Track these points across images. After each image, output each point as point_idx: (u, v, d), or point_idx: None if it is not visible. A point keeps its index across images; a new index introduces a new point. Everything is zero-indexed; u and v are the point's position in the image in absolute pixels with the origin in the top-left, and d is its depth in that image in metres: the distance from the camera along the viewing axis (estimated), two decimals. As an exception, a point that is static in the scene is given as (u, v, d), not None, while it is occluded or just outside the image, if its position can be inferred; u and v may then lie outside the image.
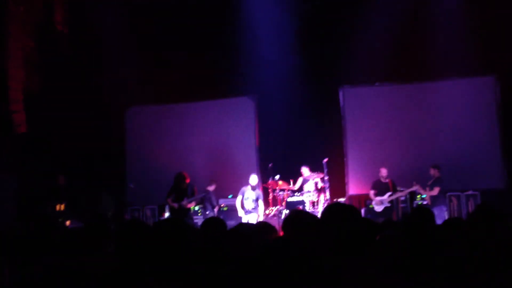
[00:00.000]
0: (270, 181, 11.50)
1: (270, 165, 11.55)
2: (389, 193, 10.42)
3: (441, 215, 9.62)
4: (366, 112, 12.29)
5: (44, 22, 11.67)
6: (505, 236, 2.34)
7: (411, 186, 10.26)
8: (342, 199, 11.66)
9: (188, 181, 9.79)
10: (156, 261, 2.43)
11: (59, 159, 11.52)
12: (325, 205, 10.78)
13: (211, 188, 11.19)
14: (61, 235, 3.76)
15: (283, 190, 11.53)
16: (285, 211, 10.78)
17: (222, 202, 11.83)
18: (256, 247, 2.36)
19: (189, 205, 9.78)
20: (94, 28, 12.00)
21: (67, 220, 10.33)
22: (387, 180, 10.54)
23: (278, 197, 11.55)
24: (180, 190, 9.74)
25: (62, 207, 10.76)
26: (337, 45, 11.96)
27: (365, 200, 11.45)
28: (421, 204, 10.43)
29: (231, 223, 10.22)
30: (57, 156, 11.52)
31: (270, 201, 11.68)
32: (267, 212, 11.50)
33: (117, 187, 12.53)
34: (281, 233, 2.92)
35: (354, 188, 12.13)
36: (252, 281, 1.89)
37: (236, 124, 12.87)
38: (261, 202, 10.16)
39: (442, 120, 11.77)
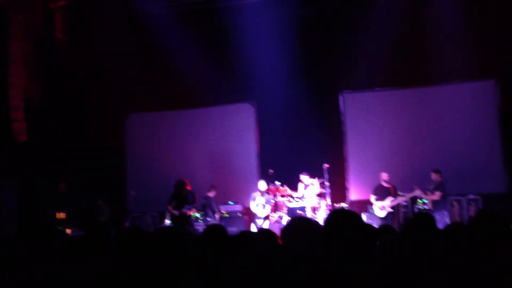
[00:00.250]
0: (270, 187, 11.49)
1: (270, 171, 11.55)
2: (390, 198, 10.39)
3: (442, 219, 9.60)
4: (366, 117, 12.28)
5: (44, 30, 11.71)
6: (506, 241, 2.33)
7: (412, 190, 10.23)
8: (343, 205, 11.63)
9: (188, 188, 9.78)
10: (155, 268, 2.42)
11: (59, 167, 11.51)
12: (326, 210, 10.75)
13: (212, 194, 11.18)
14: (62, 242, 3.74)
15: (283, 196, 11.52)
16: (286, 217, 10.76)
17: (223, 209, 11.81)
18: (258, 254, 2.35)
19: (190, 212, 9.75)
20: (94, 35, 12.03)
21: (67, 228, 10.30)
22: (388, 185, 10.51)
23: (279, 203, 11.53)
24: (181, 197, 9.72)
25: (63, 215, 10.74)
26: (337, 50, 11.98)
27: (366, 205, 11.42)
28: (423, 209, 10.40)
29: (232, 230, 10.24)
30: (58, 164, 11.51)
31: (271, 207, 11.65)
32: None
33: (117, 194, 12.53)
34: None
35: (355, 193, 12.12)
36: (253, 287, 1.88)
37: (237, 130, 12.87)
38: (268, 206, 10.22)
39: (442, 124, 11.76)
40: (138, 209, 12.33)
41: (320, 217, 10.53)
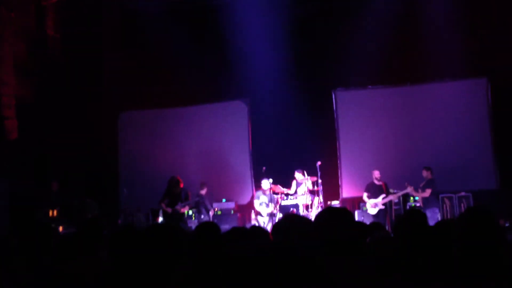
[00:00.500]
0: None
1: (263, 168, 11.57)
2: (383, 195, 10.45)
3: (434, 216, 9.67)
4: (359, 114, 12.33)
5: (36, 27, 11.65)
6: (496, 237, 2.36)
7: (403, 188, 10.30)
8: (335, 202, 11.68)
9: (181, 185, 9.79)
10: (148, 266, 2.43)
11: (51, 165, 11.47)
12: (319, 208, 10.79)
13: (203, 191, 11.19)
14: (55, 240, 3.74)
15: (276, 193, 11.54)
16: (279, 214, 10.79)
17: (216, 206, 11.82)
18: (248, 250, 2.37)
19: (183, 210, 9.77)
20: (86, 33, 11.98)
21: (60, 225, 10.28)
22: (380, 182, 10.57)
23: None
24: (174, 194, 9.74)
25: (55, 213, 10.70)
26: (330, 48, 12.01)
27: (358, 202, 11.48)
28: (414, 206, 10.47)
29: (225, 227, 10.26)
30: (50, 162, 11.47)
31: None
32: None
33: (110, 192, 12.50)
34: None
35: (347, 190, 12.17)
36: (244, 284, 1.90)
37: (229, 128, 12.87)
38: (271, 205, 10.28)
39: (434, 122, 11.84)
40: (131, 207, 12.29)
41: (313, 215, 10.56)
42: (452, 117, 11.74)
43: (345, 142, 12.34)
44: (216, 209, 11.76)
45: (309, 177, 11.14)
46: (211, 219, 11.09)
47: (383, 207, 10.47)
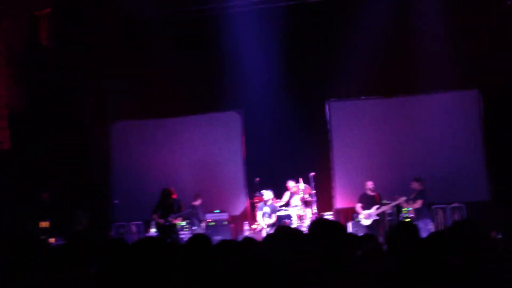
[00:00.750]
0: (257, 195, 11.50)
1: (257, 179, 11.57)
2: (376, 206, 10.44)
3: (426, 228, 9.67)
4: (352, 125, 12.36)
5: (29, 37, 11.62)
6: (487, 248, 2.35)
7: (395, 199, 10.30)
8: (329, 213, 11.66)
9: (174, 196, 9.75)
10: (137, 279, 2.40)
11: (43, 175, 11.38)
12: (312, 219, 10.76)
13: (197, 202, 11.13)
14: (44, 253, 3.70)
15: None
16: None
17: (209, 217, 11.76)
18: (239, 262, 2.35)
19: (175, 221, 9.71)
20: (79, 43, 11.97)
21: (51, 237, 10.18)
22: (373, 193, 10.57)
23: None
24: (167, 205, 9.69)
25: (47, 224, 10.60)
26: (322, 59, 12.06)
27: (352, 213, 11.46)
28: (407, 217, 10.46)
29: (217, 239, 10.20)
30: (42, 172, 11.38)
31: (257, 215, 11.64)
32: (253, 226, 11.46)
33: (102, 203, 12.41)
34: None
35: (341, 201, 12.15)
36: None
37: (223, 139, 12.85)
38: (274, 216, 10.23)
39: (427, 133, 11.89)
40: (123, 218, 12.21)
41: (306, 225, 10.54)
42: (444, 129, 11.79)
43: (338, 153, 12.35)
44: (209, 220, 11.70)
45: (304, 184, 11.12)
46: (203, 230, 11.04)
47: (377, 218, 10.46)
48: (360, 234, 8.34)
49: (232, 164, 12.71)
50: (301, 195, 11.03)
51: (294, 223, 10.59)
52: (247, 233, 11.20)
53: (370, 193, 10.56)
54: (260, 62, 11.92)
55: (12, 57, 11.06)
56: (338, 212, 11.99)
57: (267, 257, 2.33)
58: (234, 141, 12.80)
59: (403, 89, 12.15)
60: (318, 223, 2.69)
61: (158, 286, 2.53)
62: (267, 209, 10.42)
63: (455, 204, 11.09)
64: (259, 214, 10.51)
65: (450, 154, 11.61)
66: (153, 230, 11.20)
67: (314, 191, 11.14)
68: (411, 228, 3.49)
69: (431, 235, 3.42)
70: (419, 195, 10.07)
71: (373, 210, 10.44)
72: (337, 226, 2.61)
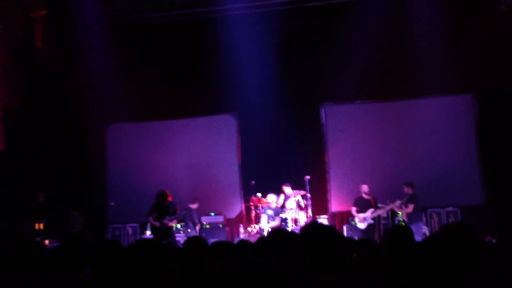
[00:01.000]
0: (252, 198, 11.51)
1: (252, 182, 11.58)
2: (371, 210, 10.46)
3: (419, 231, 9.70)
4: (347, 129, 12.39)
5: (24, 38, 11.60)
6: (476, 253, 2.36)
7: (392, 202, 10.31)
8: (324, 216, 11.67)
9: (170, 199, 9.74)
10: (131, 282, 2.40)
11: (38, 177, 11.35)
12: (306, 222, 10.77)
13: (194, 206, 11.13)
14: (38, 255, 3.69)
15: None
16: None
17: (205, 220, 11.76)
18: (234, 264, 2.35)
19: (170, 223, 9.71)
20: (75, 45, 11.96)
21: (46, 239, 10.15)
22: (369, 197, 10.59)
23: (260, 215, 11.54)
24: (162, 208, 9.68)
25: (41, 225, 10.57)
26: (318, 62, 12.08)
27: (347, 217, 11.49)
28: (402, 221, 10.48)
29: (213, 241, 10.18)
30: (37, 174, 11.35)
31: (253, 218, 11.66)
32: (249, 229, 11.46)
33: (98, 205, 12.39)
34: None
35: (336, 205, 12.17)
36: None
37: (218, 142, 12.86)
38: (277, 218, 10.23)
39: (422, 137, 11.93)
40: (119, 220, 12.20)
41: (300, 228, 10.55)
42: (439, 133, 11.84)
43: (334, 157, 12.38)
44: (204, 222, 11.69)
45: (297, 191, 11.14)
46: (197, 233, 11.02)
47: (372, 221, 10.48)
48: (356, 237, 8.35)
49: (227, 167, 12.71)
50: (296, 199, 11.03)
51: (289, 226, 10.59)
52: (242, 236, 11.19)
53: (365, 196, 10.57)
54: (255, 65, 11.94)
55: (8, 59, 11.04)
56: (333, 216, 12.01)
57: (261, 259, 2.33)
58: (230, 144, 12.81)
59: (398, 93, 12.18)
60: (310, 226, 2.69)
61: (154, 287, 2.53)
62: (270, 212, 10.42)
63: (450, 208, 11.14)
64: (263, 217, 10.50)
65: (445, 158, 11.65)
66: (148, 232, 11.20)
67: (309, 195, 11.15)
68: (406, 231, 3.51)
69: (427, 239, 3.44)
70: (411, 199, 10.12)
71: (368, 213, 10.46)
72: (329, 229, 2.62)
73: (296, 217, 10.94)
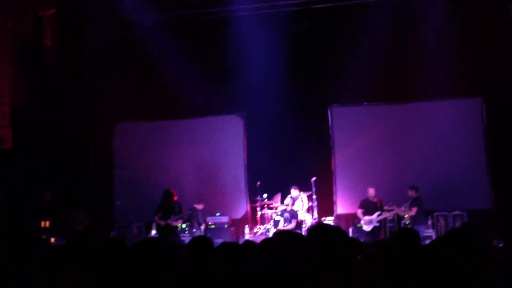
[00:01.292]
0: (258, 199, 11.50)
1: (258, 183, 11.57)
2: (377, 213, 10.42)
3: (421, 235, 9.64)
4: (354, 131, 12.34)
5: (33, 37, 11.66)
6: (485, 255, 2.34)
7: (389, 206, 10.31)
8: (330, 218, 11.64)
9: (175, 198, 9.75)
10: (135, 281, 2.39)
11: (45, 175, 11.40)
12: (312, 224, 10.76)
13: (200, 206, 11.11)
14: (44, 252, 3.70)
15: (271, 208, 11.53)
16: (273, 230, 10.75)
17: (210, 220, 11.76)
18: (240, 265, 2.34)
19: (175, 223, 9.71)
20: (83, 44, 12.00)
21: (52, 237, 10.18)
22: (375, 200, 10.55)
23: (266, 216, 11.53)
24: (168, 207, 9.69)
25: (47, 223, 10.61)
26: (326, 64, 12.05)
27: (353, 219, 11.45)
28: (408, 223, 10.44)
29: (218, 241, 10.19)
30: (44, 172, 11.40)
31: (258, 219, 11.65)
32: (255, 230, 11.47)
33: (104, 204, 12.42)
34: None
35: (342, 207, 12.12)
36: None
37: (225, 142, 12.85)
38: (294, 221, 10.20)
39: (429, 140, 11.86)
40: (125, 219, 12.23)
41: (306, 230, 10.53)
42: (447, 136, 11.76)
43: (340, 158, 12.33)
44: (210, 223, 11.70)
45: (304, 192, 11.14)
46: (202, 233, 11.03)
47: (377, 224, 10.44)
48: (362, 239, 8.32)
49: (233, 168, 12.70)
50: (304, 201, 11.03)
51: (303, 230, 10.61)
52: (247, 237, 11.18)
53: (371, 199, 10.54)
54: (263, 66, 11.91)
55: (17, 57, 11.10)
56: (339, 218, 11.97)
57: (265, 260, 2.32)
58: (236, 144, 12.79)
59: (406, 96, 12.12)
60: (317, 228, 2.68)
61: (157, 287, 2.52)
62: (287, 215, 10.42)
63: (457, 212, 11.07)
64: (281, 220, 10.49)
65: (453, 161, 11.57)
66: (154, 232, 11.21)
67: (315, 196, 11.12)
68: (412, 234, 3.49)
69: (433, 242, 3.41)
70: (414, 202, 10.09)
71: (375, 216, 10.42)
72: (336, 231, 2.60)
73: (302, 218, 10.93)
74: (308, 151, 12.05)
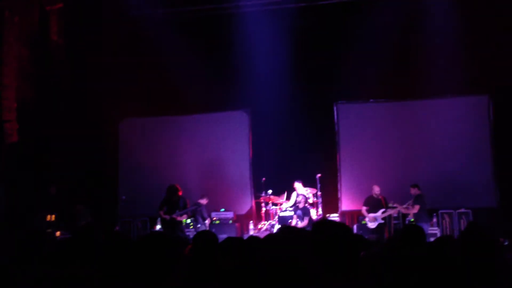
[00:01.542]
0: (263, 195, 11.50)
1: (263, 179, 11.57)
2: (382, 210, 10.41)
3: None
4: (360, 128, 12.31)
5: (40, 32, 11.68)
6: (495, 255, 2.33)
7: (400, 204, 10.29)
8: (334, 215, 11.64)
9: (180, 193, 9.77)
10: (140, 275, 2.40)
11: (51, 169, 11.44)
12: (317, 220, 10.75)
13: (203, 201, 11.15)
14: (49, 246, 3.71)
15: (275, 204, 11.53)
16: (277, 226, 10.75)
17: (214, 216, 11.78)
18: (246, 260, 2.34)
19: (180, 218, 9.74)
20: (89, 39, 12.01)
21: (57, 231, 10.23)
22: (379, 197, 10.54)
23: (271, 212, 11.54)
24: (172, 202, 9.72)
25: (53, 217, 10.65)
26: (332, 61, 12.01)
27: (357, 216, 11.44)
28: (413, 221, 10.42)
29: (223, 237, 10.20)
30: (49, 166, 11.44)
31: (263, 215, 11.66)
32: (259, 226, 11.48)
33: (109, 199, 12.47)
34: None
35: (346, 204, 12.11)
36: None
37: (230, 138, 12.85)
38: (306, 218, 10.21)
39: (435, 137, 11.82)
40: (129, 214, 12.27)
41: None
42: (453, 133, 11.72)
43: (346, 155, 12.31)
44: (214, 218, 11.72)
45: (309, 189, 11.13)
46: (207, 228, 11.05)
47: (382, 221, 10.43)
48: (366, 236, 8.31)
49: (238, 163, 12.71)
50: (307, 197, 11.01)
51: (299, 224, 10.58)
52: (252, 232, 11.20)
53: (376, 196, 10.53)
54: (269, 62, 11.89)
55: (23, 52, 11.13)
56: (343, 214, 11.96)
57: (269, 255, 2.32)
58: (241, 140, 12.80)
59: (412, 93, 12.08)
60: (322, 223, 2.68)
61: (162, 282, 2.53)
62: (299, 212, 10.43)
63: (462, 210, 11.04)
64: (294, 217, 10.49)
65: (458, 158, 11.53)
66: (158, 227, 11.25)
67: (320, 193, 11.12)
68: (417, 232, 3.47)
69: (438, 240, 3.40)
70: (417, 200, 10.08)
71: (379, 213, 10.41)
72: (341, 227, 2.60)
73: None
74: (313, 147, 12.03)
